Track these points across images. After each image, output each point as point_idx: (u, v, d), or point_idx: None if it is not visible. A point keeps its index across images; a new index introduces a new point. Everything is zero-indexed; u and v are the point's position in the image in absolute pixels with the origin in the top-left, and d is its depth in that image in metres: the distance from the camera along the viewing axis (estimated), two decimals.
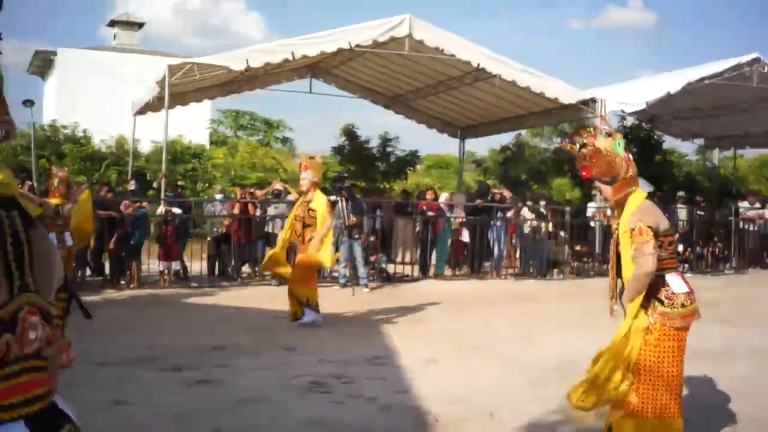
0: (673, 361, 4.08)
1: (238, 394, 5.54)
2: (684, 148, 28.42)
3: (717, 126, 22.96)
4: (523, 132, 25.00)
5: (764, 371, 6.74)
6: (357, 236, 11.95)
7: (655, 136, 24.10)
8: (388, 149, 22.59)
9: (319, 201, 8.48)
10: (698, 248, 16.89)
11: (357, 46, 13.98)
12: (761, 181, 29.91)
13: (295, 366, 6.56)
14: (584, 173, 4.30)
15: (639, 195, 4.19)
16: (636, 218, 4.06)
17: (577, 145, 4.30)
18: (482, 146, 27.46)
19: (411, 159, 23.23)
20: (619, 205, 4.26)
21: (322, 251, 8.25)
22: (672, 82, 17.27)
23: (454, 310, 10.19)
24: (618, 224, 4.26)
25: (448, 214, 14.65)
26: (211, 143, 31.59)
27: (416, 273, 13.86)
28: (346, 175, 13.51)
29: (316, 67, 18.58)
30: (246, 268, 13.29)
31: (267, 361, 6.78)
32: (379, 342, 7.83)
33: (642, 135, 23.60)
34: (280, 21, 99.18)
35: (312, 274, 8.78)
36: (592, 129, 4.43)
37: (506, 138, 24.68)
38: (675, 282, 4.20)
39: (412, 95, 19.80)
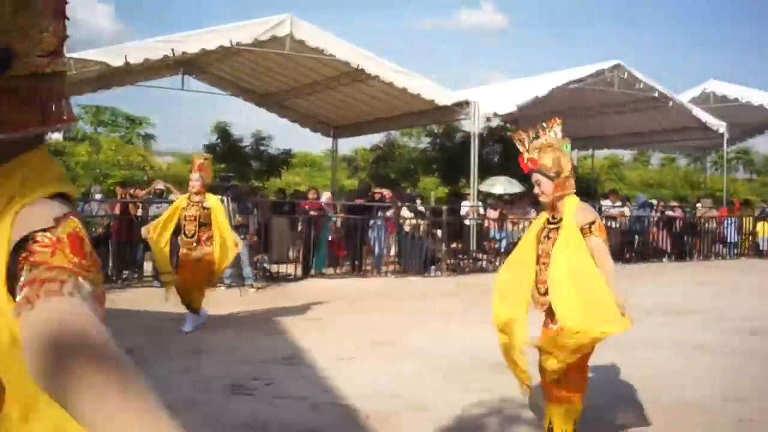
0: None
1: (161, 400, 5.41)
2: None
3: (576, 128, 24.16)
4: (393, 132, 25.46)
5: (656, 359, 7.21)
6: (243, 236, 11.83)
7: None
8: (262, 148, 22.45)
9: (213, 200, 8.39)
10: None
11: (239, 44, 13.85)
12: (613, 180, 31.79)
13: (210, 368, 6.48)
14: (529, 164, 4.43)
15: (574, 197, 4.39)
16: (584, 215, 4.26)
17: (528, 137, 4.46)
18: (349, 146, 27.82)
19: (284, 158, 23.18)
20: (553, 204, 4.41)
21: (230, 251, 8.20)
22: (540, 85, 18.09)
23: (345, 307, 10.31)
24: (551, 223, 4.43)
25: (329, 214, 14.75)
26: (68, 139, 30.22)
27: (299, 272, 13.86)
28: (231, 174, 13.35)
29: (189, 64, 18.25)
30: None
31: (180, 364, 6.66)
32: (286, 341, 7.82)
33: (506, 136, 24.53)
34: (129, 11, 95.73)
35: (207, 276, 8.64)
36: (544, 125, 4.56)
37: (378, 138, 25.07)
38: None
39: (285, 94, 19.81)
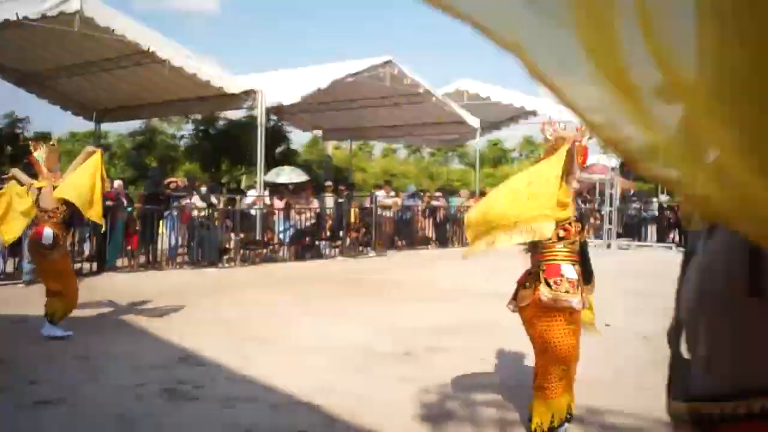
0: None
1: (100, 414, 4.98)
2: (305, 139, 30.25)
3: (336, 119, 24.82)
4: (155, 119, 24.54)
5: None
6: None
7: (283, 127, 25.27)
8: (17, 131, 20.58)
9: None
10: (341, 233, 18.17)
11: (25, 18, 12.63)
12: (358, 169, 32.94)
13: (120, 375, 5.99)
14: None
15: None
16: None
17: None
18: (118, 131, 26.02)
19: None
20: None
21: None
22: (321, 77, 18.33)
23: (179, 301, 9.81)
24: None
25: (125, 204, 13.98)
26: None
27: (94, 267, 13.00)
28: None
29: None
30: None
31: (86, 372, 6.10)
32: (161, 342, 7.39)
33: (269, 126, 24.60)
34: None
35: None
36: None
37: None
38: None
39: (50, 73, 18.30)
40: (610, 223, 21.55)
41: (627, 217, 23.50)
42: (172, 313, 9.01)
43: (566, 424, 4.63)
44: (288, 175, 18.87)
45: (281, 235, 16.52)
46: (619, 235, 22.13)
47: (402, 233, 19.50)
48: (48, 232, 7.39)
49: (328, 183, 19.09)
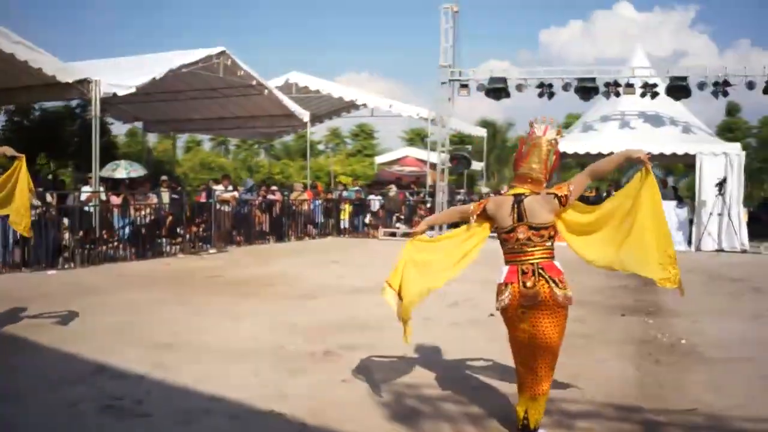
0: None
1: None
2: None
3: (158, 111, 23.91)
4: None
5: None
6: None
7: (102, 118, 23.92)
8: None
9: None
10: (180, 230, 17.54)
11: None
12: (179, 163, 31.92)
13: (39, 393, 5.44)
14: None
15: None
16: None
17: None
18: None
19: None
20: None
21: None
22: (155, 66, 17.57)
23: (56, 305, 9.08)
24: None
25: None
26: None
27: None
28: None
29: None
30: None
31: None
32: (66, 351, 6.79)
33: (87, 117, 23.28)
34: None
35: None
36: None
37: None
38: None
39: None
40: None
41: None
42: (49, 321, 8.31)
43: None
44: (126, 169, 17.94)
45: (120, 233, 15.72)
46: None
47: (240, 228, 19.14)
48: None
49: (164, 177, 18.36)
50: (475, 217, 4.92)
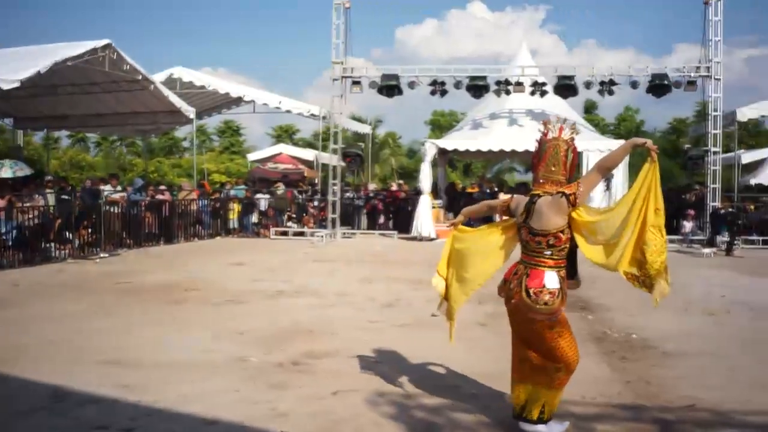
0: None
1: None
2: None
3: (30, 107, 22.51)
4: None
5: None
6: None
7: None
8: None
9: None
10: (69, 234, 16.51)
11: None
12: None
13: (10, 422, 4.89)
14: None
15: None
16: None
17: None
18: None
19: None
20: None
21: None
22: (40, 59, 16.48)
23: None
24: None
25: None
26: None
27: None
28: None
29: None
30: None
31: None
32: (7, 374, 6.14)
33: None
34: None
35: None
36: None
37: None
38: None
39: None
40: (334, 212, 22.03)
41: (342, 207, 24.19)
42: None
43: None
44: (11, 168, 16.69)
45: (4, 237, 14.62)
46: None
47: (129, 230, 18.21)
48: None
49: (49, 178, 17.22)
50: (501, 214, 5.08)
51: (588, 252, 4.68)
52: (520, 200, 4.81)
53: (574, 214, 4.61)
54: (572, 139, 4.77)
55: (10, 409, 5.23)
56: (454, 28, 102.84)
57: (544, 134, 4.78)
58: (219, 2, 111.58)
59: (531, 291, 4.54)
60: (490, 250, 5.04)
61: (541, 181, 4.69)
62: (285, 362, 6.71)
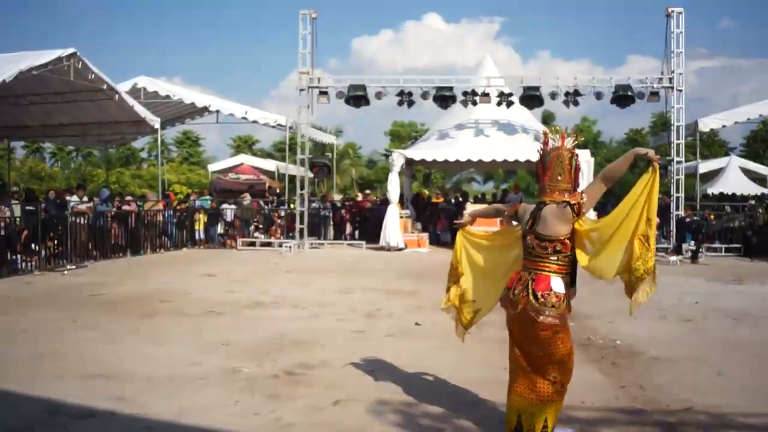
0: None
1: None
2: None
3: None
4: None
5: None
6: None
7: None
8: None
9: None
10: (35, 245, 16.18)
11: None
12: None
13: None
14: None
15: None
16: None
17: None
18: None
19: None
20: None
21: None
22: (4, 69, 16.18)
23: None
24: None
25: None
26: None
27: None
28: None
29: None
30: None
31: None
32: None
33: None
34: None
35: None
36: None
37: None
38: None
39: None
40: (302, 222, 21.93)
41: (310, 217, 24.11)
42: None
43: None
44: None
45: None
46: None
47: (95, 241, 17.91)
48: None
49: (15, 188, 16.89)
50: (507, 219, 5.22)
51: (583, 260, 4.73)
52: (527, 207, 4.87)
53: (576, 225, 4.66)
54: (574, 147, 4.83)
55: (6, 425, 5.12)
56: (410, 38, 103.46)
57: (545, 143, 4.84)
58: (171, 13, 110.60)
59: (539, 294, 4.55)
60: (501, 273, 5.23)
61: (547, 190, 4.73)
62: (278, 373, 6.65)
